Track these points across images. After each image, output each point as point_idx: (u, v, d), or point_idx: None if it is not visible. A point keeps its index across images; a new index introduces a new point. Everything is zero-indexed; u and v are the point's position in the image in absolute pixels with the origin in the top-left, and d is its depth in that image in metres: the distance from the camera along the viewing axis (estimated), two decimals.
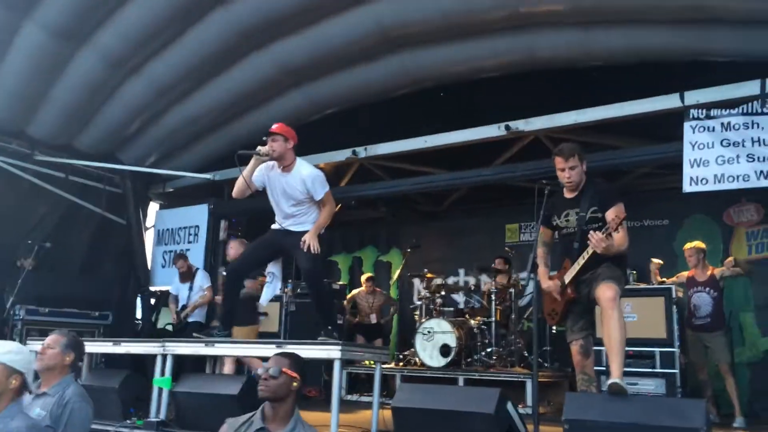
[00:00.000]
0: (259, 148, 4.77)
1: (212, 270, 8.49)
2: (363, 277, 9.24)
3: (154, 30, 6.53)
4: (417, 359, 7.43)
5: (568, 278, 4.10)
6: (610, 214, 3.91)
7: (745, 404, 6.22)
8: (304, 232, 4.78)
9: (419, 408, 3.83)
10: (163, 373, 4.98)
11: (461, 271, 9.44)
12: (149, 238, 9.22)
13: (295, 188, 4.81)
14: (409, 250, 8.76)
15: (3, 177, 7.62)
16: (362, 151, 7.64)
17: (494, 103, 7.20)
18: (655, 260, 6.79)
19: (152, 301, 8.93)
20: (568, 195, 4.23)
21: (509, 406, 3.68)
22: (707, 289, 6.17)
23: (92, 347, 5.72)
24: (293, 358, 3.00)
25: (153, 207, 9.55)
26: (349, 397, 7.58)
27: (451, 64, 6.89)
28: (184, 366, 6.41)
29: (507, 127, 6.70)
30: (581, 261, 3.99)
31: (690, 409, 3.15)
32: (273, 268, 6.12)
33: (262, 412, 2.89)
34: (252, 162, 4.84)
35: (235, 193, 4.97)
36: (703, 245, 6.44)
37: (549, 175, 4.44)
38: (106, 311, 7.92)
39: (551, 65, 6.57)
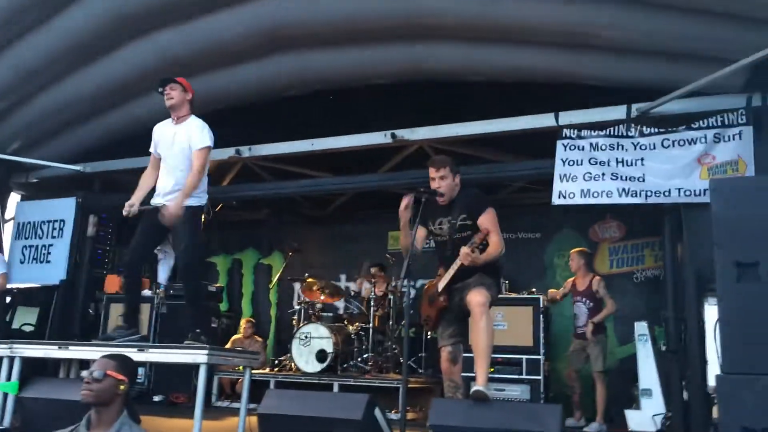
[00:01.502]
0: None
1: (77, 269, 7.96)
2: (242, 321, 8.88)
3: (18, 9, 6.03)
4: (293, 365, 7.31)
5: (441, 286, 4.17)
6: (482, 222, 4.04)
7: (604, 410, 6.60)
8: (192, 208, 4.64)
9: (286, 414, 3.75)
10: (9, 377, 4.59)
11: (342, 276, 9.43)
12: (8, 231, 8.51)
13: (184, 138, 4.72)
14: (290, 253, 8.64)
15: None
16: (246, 151, 7.46)
17: (383, 110, 7.23)
18: (552, 291, 6.98)
19: (8, 299, 8.23)
20: (441, 202, 4.31)
21: (377, 411, 3.68)
22: (584, 299, 6.50)
23: None
24: (120, 359, 2.90)
25: (14, 198, 8.83)
26: (219, 403, 7.35)
27: (339, 69, 6.85)
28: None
29: (393, 135, 6.78)
30: (451, 271, 4.07)
31: (546, 415, 3.28)
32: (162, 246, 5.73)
33: (87, 419, 2.79)
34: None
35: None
36: (586, 250, 6.78)
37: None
38: None
39: (437, 77, 6.69)
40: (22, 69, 6.74)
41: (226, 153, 7.56)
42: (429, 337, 7.40)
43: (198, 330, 4.69)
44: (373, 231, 9.30)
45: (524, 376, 6.29)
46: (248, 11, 6.24)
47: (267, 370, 7.63)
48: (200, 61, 6.90)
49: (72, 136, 8.02)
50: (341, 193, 9.02)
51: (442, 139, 6.69)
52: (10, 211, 8.63)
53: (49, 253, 7.96)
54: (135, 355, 4.24)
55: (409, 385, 6.52)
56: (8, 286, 8.18)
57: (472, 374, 5.59)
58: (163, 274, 5.98)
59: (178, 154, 4.74)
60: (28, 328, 7.98)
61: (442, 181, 4.24)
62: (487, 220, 4.07)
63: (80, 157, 8.09)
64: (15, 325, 8.17)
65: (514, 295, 6.82)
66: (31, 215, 8.32)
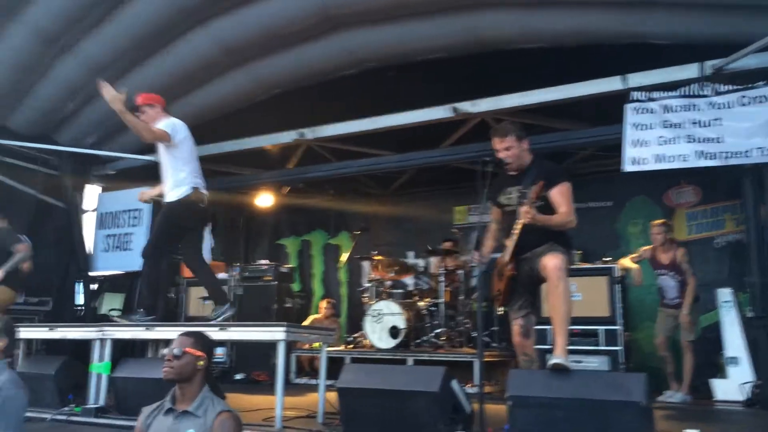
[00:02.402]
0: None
1: None
2: (322, 302, 9.06)
3: (86, 5, 6.25)
4: (366, 341, 7.42)
5: (507, 255, 4.07)
6: (554, 194, 3.92)
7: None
8: (169, 203, 5.15)
9: (364, 388, 3.81)
10: (101, 359, 4.84)
11: (410, 254, 9.46)
12: (90, 221, 8.93)
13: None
14: (357, 232, 8.72)
15: None
16: (309, 133, 7.54)
17: (442, 84, 7.18)
18: (624, 260, 6.56)
19: (93, 286, 8.66)
20: (511, 173, 4.22)
21: (454, 384, 3.69)
22: (671, 273, 6.26)
23: (28, 333, 5.52)
24: (198, 336, 3.00)
25: (95, 190, 9.24)
26: (297, 380, 7.54)
27: (395, 45, 6.83)
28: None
29: (454, 109, 6.70)
30: (514, 235, 3.96)
31: (630, 383, 3.21)
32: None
33: (172, 394, 2.91)
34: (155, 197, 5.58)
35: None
36: (668, 222, 6.56)
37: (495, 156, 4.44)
38: (46, 297, 7.66)
39: (497, 46, 6.58)
40: (91, 65, 7.00)
41: (290, 136, 7.68)
42: (501, 311, 7.35)
43: (143, 308, 5.07)
44: (438, 206, 9.29)
45: (602, 347, 6.18)
46: None
47: (342, 347, 7.77)
48: (255, 47, 7.02)
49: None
50: (404, 171, 9.02)
51: (505, 110, 6.57)
52: (92, 203, 9.04)
53: (129, 241, 8.31)
54: (217, 334, 4.41)
55: (484, 359, 6.51)
56: (93, 274, 8.63)
57: (546, 347, 5.57)
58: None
59: (164, 155, 5.21)
60: (114, 313, 8.38)
61: (507, 151, 4.11)
62: (560, 192, 3.94)
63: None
64: (102, 311, 8.60)
65: (587, 265, 6.68)
66: (111, 205, 8.70)
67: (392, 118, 7.03)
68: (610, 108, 5.98)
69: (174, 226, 5.23)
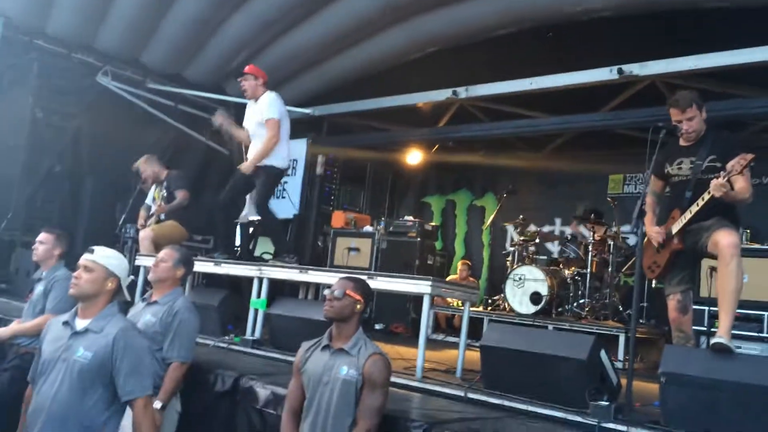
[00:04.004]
0: (216, 119, 6.07)
1: (308, 206, 8.68)
2: (459, 263, 9.10)
3: None
4: (506, 305, 7.38)
5: (676, 228, 3.88)
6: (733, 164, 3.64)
7: None
8: (265, 167, 5.61)
9: (508, 348, 3.79)
10: (259, 295, 5.19)
11: (558, 221, 9.20)
12: None
13: (257, 111, 5.63)
14: (504, 195, 8.59)
15: (117, 102, 8.03)
16: (463, 92, 7.47)
17: (604, 45, 6.79)
18: None
19: (250, 230, 9.25)
20: (684, 143, 3.99)
21: (603, 354, 3.58)
22: None
23: (196, 267, 6.01)
24: (358, 282, 3.16)
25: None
26: (434, 336, 7.66)
27: (557, 3, 6.54)
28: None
29: (620, 71, 6.32)
30: (694, 208, 3.76)
31: None
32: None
33: (329, 332, 3.10)
34: (226, 128, 6.09)
35: (244, 141, 6.02)
36: None
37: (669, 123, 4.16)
38: (208, 236, 8.28)
39: (669, 5, 6.10)
40: (260, 20, 7.37)
41: (443, 94, 7.65)
42: (653, 286, 6.99)
43: (284, 254, 5.64)
44: (591, 174, 8.89)
45: (766, 334, 5.71)
46: None
47: (481, 309, 7.78)
48: (415, 3, 7.00)
49: (301, 82, 8.66)
50: (558, 134, 8.71)
51: (678, 73, 6.11)
52: None
53: (284, 190, 8.78)
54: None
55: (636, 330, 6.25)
56: (251, 218, 9.22)
57: (702, 328, 5.24)
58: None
59: (256, 132, 5.70)
60: (267, 257, 8.92)
61: (690, 122, 3.87)
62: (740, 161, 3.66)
63: (309, 101, 8.71)
64: (256, 253, 9.18)
65: (756, 246, 6.15)
66: None
67: (552, 78, 6.78)
68: None
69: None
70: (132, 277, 5.43)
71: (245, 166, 5.66)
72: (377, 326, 7.99)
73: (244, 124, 5.90)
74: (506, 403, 3.62)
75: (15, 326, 4.30)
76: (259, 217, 6.13)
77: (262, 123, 5.59)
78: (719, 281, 3.63)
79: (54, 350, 2.83)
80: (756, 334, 5.74)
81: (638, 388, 3.93)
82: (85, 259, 2.94)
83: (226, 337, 5.26)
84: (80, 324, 2.87)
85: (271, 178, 5.77)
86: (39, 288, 4.36)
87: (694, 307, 4.53)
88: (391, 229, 8.34)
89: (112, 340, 2.79)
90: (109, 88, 8.00)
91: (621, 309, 7.09)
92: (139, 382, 2.81)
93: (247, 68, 5.76)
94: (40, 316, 4.17)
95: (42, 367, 2.85)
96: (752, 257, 5.88)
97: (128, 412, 2.92)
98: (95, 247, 3.00)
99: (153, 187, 6.66)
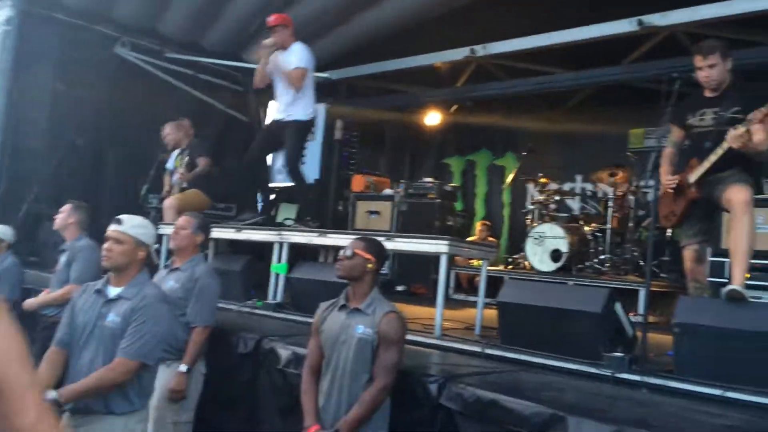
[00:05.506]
0: (265, 41, 5.58)
1: (327, 170, 8.74)
2: (477, 224, 9.09)
3: None
4: (526, 263, 7.39)
5: (694, 177, 3.88)
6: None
7: None
8: (295, 122, 5.57)
9: (525, 304, 3.83)
10: (279, 260, 5.29)
11: (578, 177, 9.13)
12: None
13: (287, 60, 5.53)
14: (524, 154, 8.53)
15: (136, 73, 8.09)
16: (480, 50, 7.39)
17: None
18: None
19: (271, 197, 9.35)
20: (708, 94, 3.95)
21: (618, 307, 3.60)
22: None
23: (217, 233, 6.12)
24: (369, 241, 3.22)
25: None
26: (455, 296, 7.73)
27: None
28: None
29: (640, 22, 6.18)
30: (712, 158, 3.75)
31: None
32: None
33: (345, 293, 3.18)
34: (264, 54, 5.62)
35: (256, 83, 5.82)
36: None
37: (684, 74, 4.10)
38: (231, 204, 8.39)
39: None
40: None
41: (461, 53, 7.58)
42: (673, 239, 6.94)
43: (308, 218, 5.76)
44: (612, 129, 8.76)
45: None
46: None
47: (501, 268, 7.81)
48: None
49: (318, 46, 8.56)
50: (578, 90, 8.59)
51: (700, 22, 5.94)
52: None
53: (304, 155, 8.80)
54: (384, 243, 4.62)
55: (650, 288, 6.24)
56: (272, 185, 9.31)
57: (720, 279, 5.21)
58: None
59: (285, 80, 5.59)
60: (288, 222, 9.02)
61: (711, 70, 3.83)
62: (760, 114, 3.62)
63: (327, 66, 8.67)
64: (278, 219, 9.29)
65: None
66: None
67: (569, 33, 6.67)
68: None
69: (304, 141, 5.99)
70: (157, 245, 5.58)
71: (268, 43, 5.55)
72: (399, 288, 8.07)
73: (274, 83, 5.79)
74: (523, 357, 3.68)
75: (43, 296, 4.46)
76: (290, 184, 6.14)
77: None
78: (731, 238, 3.68)
79: (89, 319, 2.93)
80: None
81: (656, 340, 3.98)
82: (114, 230, 3.00)
83: (249, 302, 5.37)
84: (113, 292, 2.97)
85: (299, 132, 5.73)
86: (63, 259, 4.50)
87: (715, 259, 4.51)
88: (410, 191, 8.34)
89: (136, 303, 2.89)
90: (128, 59, 8.05)
91: (642, 264, 7.06)
92: (136, 347, 2.83)
93: (272, 19, 5.61)
94: (66, 287, 4.31)
95: (77, 335, 2.93)
96: None
97: (161, 370, 3.06)
98: (122, 217, 3.06)
99: (173, 154, 6.74)
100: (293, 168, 5.73)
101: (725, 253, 5.27)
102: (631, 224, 7.15)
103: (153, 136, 7.88)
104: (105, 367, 2.81)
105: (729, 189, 3.68)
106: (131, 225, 3.04)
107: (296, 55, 5.54)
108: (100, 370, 2.80)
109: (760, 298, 5.57)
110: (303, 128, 5.74)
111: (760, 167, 3.93)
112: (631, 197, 7.19)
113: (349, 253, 3.12)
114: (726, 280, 5.34)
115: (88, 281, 3.27)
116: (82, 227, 4.65)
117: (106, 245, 3.00)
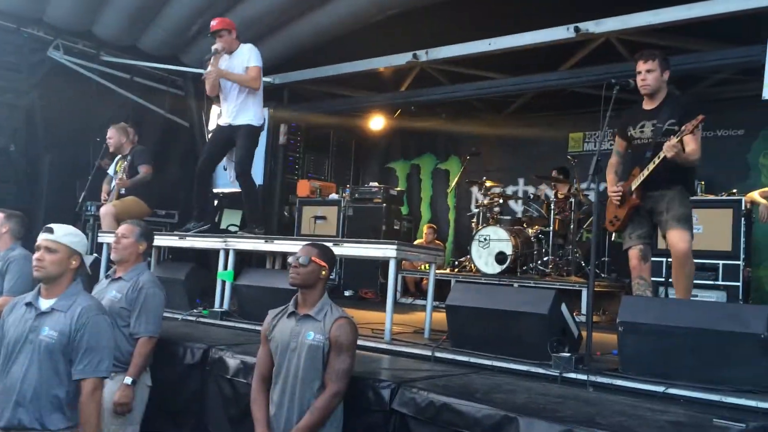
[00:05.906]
0: (214, 47, 5.46)
1: (272, 176, 8.65)
2: (424, 227, 9.19)
3: None
4: (472, 265, 7.49)
5: (635, 184, 4.09)
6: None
7: None
8: (246, 126, 5.47)
9: (473, 307, 3.88)
10: (225, 267, 5.19)
11: (521, 180, 9.32)
12: None
13: (236, 64, 5.46)
14: (468, 157, 8.65)
15: (71, 77, 7.81)
16: (423, 55, 7.44)
17: (561, 3, 6.81)
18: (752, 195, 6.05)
19: (215, 202, 9.18)
20: (646, 106, 4.18)
21: (563, 308, 3.68)
22: None
23: (160, 241, 5.96)
24: (322, 248, 3.19)
25: (217, 110, 9.65)
26: (403, 300, 7.76)
27: None
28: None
29: (576, 29, 6.35)
30: (651, 166, 3.97)
31: (750, 315, 3.07)
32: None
33: (295, 300, 3.14)
34: (213, 61, 5.47)
35: (208, 91, 5.63)
36: None
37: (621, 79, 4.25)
38: (173, 210, 8.20)
39: None
40: None
41: (404, 58, 7.60)
42: (612, 240, 7.17)
43: (253, 224, 5.55)
44: (552, 133, 9.01)
45: (720, 282, 5.93)
46: None
47: (447, 270, 7.89)
48: None
49: (260, 49, 8.48)
50: (519, 94, 8.76)
51: (633, 29, 6.16)
52: (213, 123, 9.46)
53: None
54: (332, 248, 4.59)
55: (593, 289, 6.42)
56: (216, 191, 9.15)
57: (657, 278, 5.44)
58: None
59: (234, 84, 5.49)
60: (233, 228, 8.87)
61: (648, 74, 4.08)
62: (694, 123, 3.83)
63: (269, 70, 8.56)
64: (222, 226, 9.13)
65: (711, 197, 6.34)
66: None
67: (510, 39, 6.77)
68: (753, 27, 5.46)
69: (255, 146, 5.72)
70: (95, 255, 5.39)
71: (213, 72, 5.41)
72: (347, 293, 8.06)
73: (222, 87, 5.64)
74: (473, 360, 3.72)
75: None
76: (237, 189, 6.00)
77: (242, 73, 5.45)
78: (674, 278, 4.03)
79: (20, 332, 2.83)
80: (711, 282, 5.95)
81: (601, 339, 4.10)
82: (45, 239, 2.90)
83: (195, 311, 5.26)
84: (45, 304, 2.87)
85: (250, 137, 5.60)
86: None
87: (655, 259, 4.68)
88: (356, 195, 8.35)
89: (75, 317, 2.80)
90: (61, 62, 7.77)
91: (584, 264, 7.25)
92: (93, 364, 2.80)
93: (215, 24, 5.49)
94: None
95: (7, 350, 2.84)
96: (707, 208, 6.09)
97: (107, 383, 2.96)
98: (53, 226, 2.96)
99: (114, 160, 6.54)
100: (245, 173, 5.58)
101: (663, 254, 5.50)
102: (572, 226, 7.34)
103: (90, 142, 7.66)
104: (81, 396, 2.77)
105: (672, 232, 3.94)
106: (63, 233, 2.94)
107: (248, 55, 5.45)
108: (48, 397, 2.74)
109: (696, 296, 5.82)
110: (254, 133, 5.61)
111: (694, 173, 4.25)
112: (572, 199, 7.38)
113: (304, 260, 3.08)
114: (663, 279, 5.60)
115: (22, 292, 3.15)
116: (16, 237, 4.45)
117: (37, 255, 2.90)
